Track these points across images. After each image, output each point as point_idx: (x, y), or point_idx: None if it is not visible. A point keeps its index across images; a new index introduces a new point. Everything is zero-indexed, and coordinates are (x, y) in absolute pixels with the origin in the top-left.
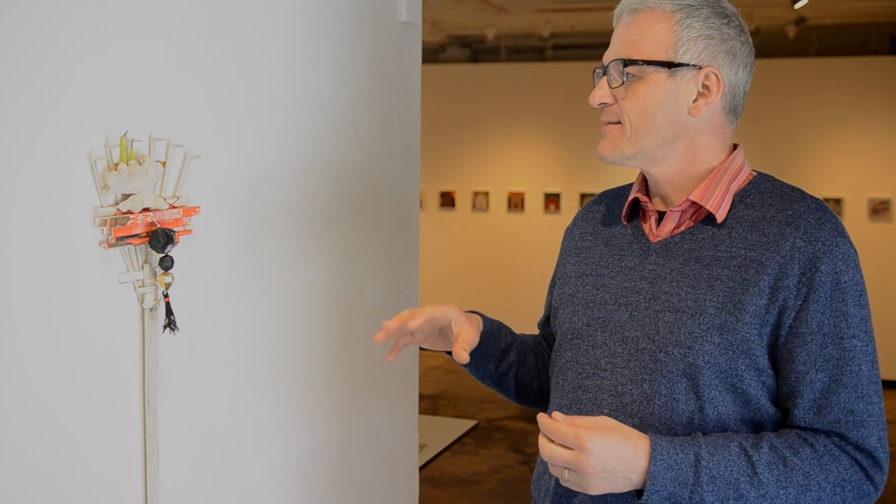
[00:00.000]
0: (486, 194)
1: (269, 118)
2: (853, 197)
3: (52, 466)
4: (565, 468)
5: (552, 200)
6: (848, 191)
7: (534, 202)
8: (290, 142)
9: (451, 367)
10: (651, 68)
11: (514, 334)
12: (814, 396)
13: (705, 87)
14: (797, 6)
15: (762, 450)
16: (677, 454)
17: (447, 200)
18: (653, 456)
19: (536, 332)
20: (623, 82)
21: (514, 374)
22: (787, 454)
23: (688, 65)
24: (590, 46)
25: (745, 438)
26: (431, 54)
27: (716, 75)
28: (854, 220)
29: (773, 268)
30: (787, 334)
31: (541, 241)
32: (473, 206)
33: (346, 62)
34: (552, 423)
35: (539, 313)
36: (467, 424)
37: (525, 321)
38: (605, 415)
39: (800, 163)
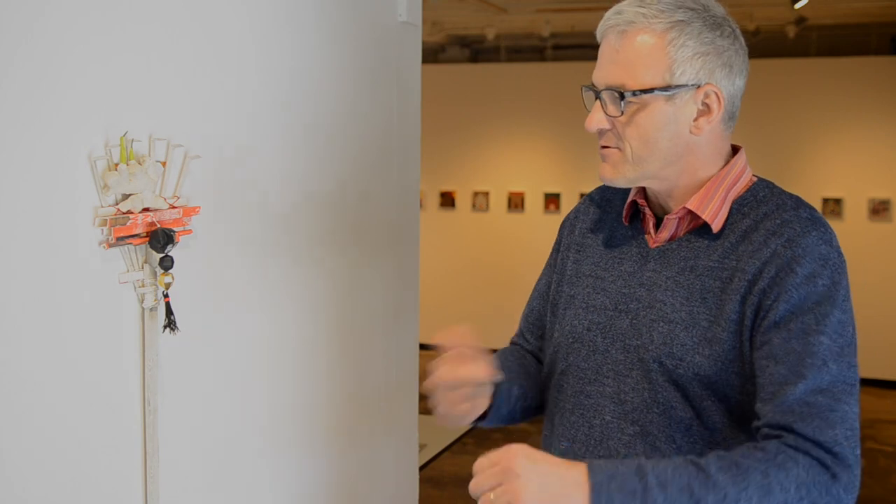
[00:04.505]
0: (486, 194)
1: (270, 118)
2: (853, 197)
3: (52, 466)
4: (490, 491)
5: (552, 200)
6: (848, 191)
7: (534, 202)
8: (290, 142)
9: None
10: (649, 95)
11: (510, 369)
12: (773, 389)
13: (705, 104)
14: (797, 6)
15: (709, 457)
16: (617, 466)
17: (447, 200)
18: (590, 468)
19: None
20: (622, 112)
21: (520, 407)
22: (737, 458)
23: (685, 85)
24: (590, 46)
25: (690, 455)
26: (431, 54)
27: (715, 93)
28: (854, 220)
29: (752, 273)
30: (758, 335)
31: (541, 241)
32: (473, 206)
33: (346, 62)
34: (475, 467)
35: None
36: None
37: None
38: (607, 421)
39: (800, 163)
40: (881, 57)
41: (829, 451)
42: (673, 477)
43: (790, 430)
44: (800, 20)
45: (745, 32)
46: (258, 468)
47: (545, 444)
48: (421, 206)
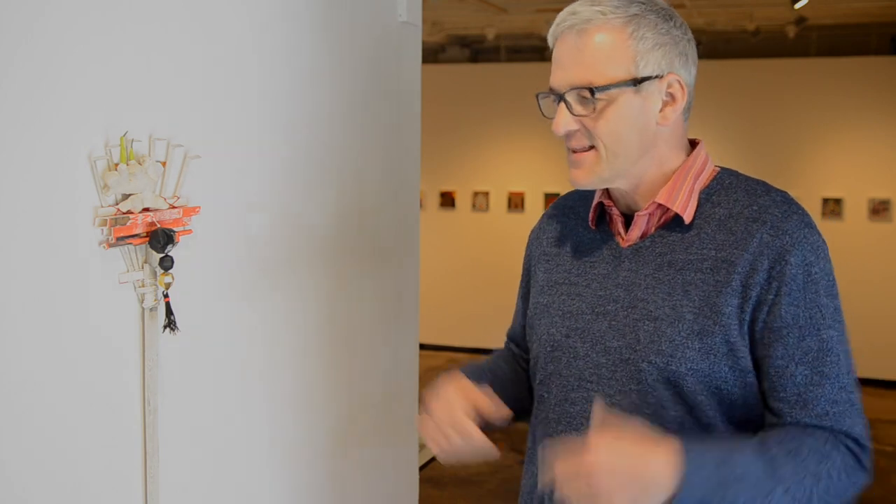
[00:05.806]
0: (486, 194)
1: (270, 118)
2: (853, 197)
3: (53, 466)
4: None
5: (552, 200)
6: (848, 191)
7: (534, 202)
8: (291, 142)
9: (450, 368)
10: (618, 89)
11: (492, 375)
12: (797, 391)
13: (669, 94)
14: (797, 6)
15: (771, 447)
16: (703, 454)
17: (447, 200)
18: (686, 454)
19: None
20: (594, 109)
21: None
22: (794, 445)
23: (650, 77)
24: None
25: (751, 440)
26: (431, 54)
27: (678, 82)
28: (854, 220)
29: (742, 266)
30: (762, 330)
31: None
32: (473, 206)
33: (346, 62)
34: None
35: None
36: None
37: None
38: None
39: (800, 163)
40: (881, 57)
41: (857, 442)
42: (748, 470)
43: (828, 430)
44: (800, 20)
45: (745, 32)
46: (258, 468)
47: (529, 457)
48: (421, 206)
